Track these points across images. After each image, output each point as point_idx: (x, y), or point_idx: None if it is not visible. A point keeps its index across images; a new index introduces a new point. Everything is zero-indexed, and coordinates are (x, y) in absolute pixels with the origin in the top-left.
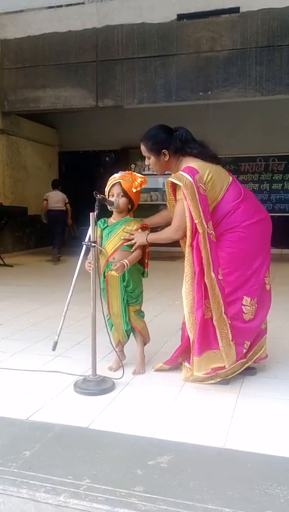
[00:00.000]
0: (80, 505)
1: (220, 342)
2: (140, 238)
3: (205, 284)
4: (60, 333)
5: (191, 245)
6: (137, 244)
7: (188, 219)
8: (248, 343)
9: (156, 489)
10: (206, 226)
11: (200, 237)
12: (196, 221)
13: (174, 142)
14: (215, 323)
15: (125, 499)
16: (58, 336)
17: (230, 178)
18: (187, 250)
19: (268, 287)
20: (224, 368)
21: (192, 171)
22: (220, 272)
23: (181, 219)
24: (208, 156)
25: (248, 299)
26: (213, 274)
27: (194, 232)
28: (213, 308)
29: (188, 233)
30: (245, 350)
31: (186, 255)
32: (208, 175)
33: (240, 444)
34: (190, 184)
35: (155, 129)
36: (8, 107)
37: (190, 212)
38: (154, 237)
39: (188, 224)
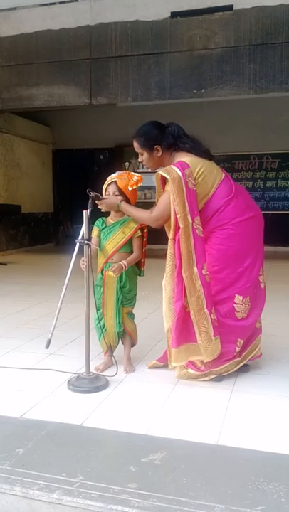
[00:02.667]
0: (74, 503)
1: (198, 336)
2: (112, 199)
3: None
4: (53, 331)
5: (174, 239)
6: (105, 204)
7: (172, 213)
8: (242, 341)
9: (150, 486)
10: (190, 221)
11: (181, 231)
12: (178, 215)
13: (167, 138)
14: (193, 317)
15: (118, 496)
16: (52, 333)
17: (223, 174)
18: (170, 243)
19: (262, 286)
20: (202, 361)
21: (183, 165)
22: (205, 267)
23: (163, 209)
24: (201, 151)
25: (240, 298)
26: (196, 269)
27: (176, 226)
28: (191, 303)
29: (172, 227)
30: (238, 349)
31: (169, 248)
32: (200, 170)
33: (233, 440)
34: (178, 178)
35: (147, 126)
36: (2, 105)
37: (174, 206)
38: (128, 208)
39: (172, 218)
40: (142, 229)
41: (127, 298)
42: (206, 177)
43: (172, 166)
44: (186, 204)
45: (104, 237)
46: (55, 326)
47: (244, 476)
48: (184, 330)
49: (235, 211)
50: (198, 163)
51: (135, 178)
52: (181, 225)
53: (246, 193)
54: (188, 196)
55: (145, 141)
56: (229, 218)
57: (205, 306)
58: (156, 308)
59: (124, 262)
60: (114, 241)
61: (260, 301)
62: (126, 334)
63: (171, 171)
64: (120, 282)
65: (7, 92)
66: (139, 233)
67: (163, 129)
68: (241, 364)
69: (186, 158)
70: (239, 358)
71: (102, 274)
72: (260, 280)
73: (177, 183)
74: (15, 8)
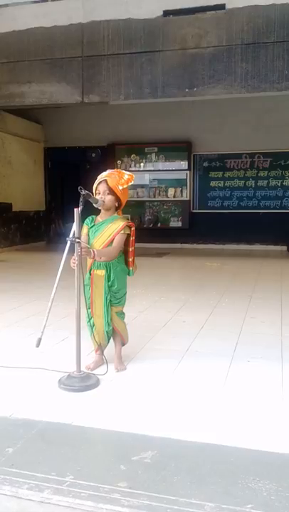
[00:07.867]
0: (64, 502)
1: None
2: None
3: None
4: (44, 329)
5: None
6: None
7: None
8: None
9: (140, 485)
10: None
11: None
12: None
13: None
14: None
15: (109, 495)
16: (42, 332)
17: None
18: None
19: None
20: None
21: None
22: None
23: None
24: None
25: None
26: None
27: None
28: None
29: None
30: None
31: None
32: None
33: (223, 438)
34: None
35: None
36: None
37: None
38: None
39: None
40: (129, 227)
41: (116, 297)
42: None
43: None
44: None
45: (92, 235)
46: (46, 324)
47: (234, 474)
48: None
49: None
50: None
51: (126, 177)
52: None
53: None
54: None
55: None
56: None
57: None
58: (147, 306)
59: (96, 250)
60: (101, 238)
61: None
62: (116, 333)
63: None
64: (108, 281)
65: None
66: (127, 231)
67: None
68: None
69: None
70: None
71: (90, 274)
72: None
73: None
74: (7, 5)
